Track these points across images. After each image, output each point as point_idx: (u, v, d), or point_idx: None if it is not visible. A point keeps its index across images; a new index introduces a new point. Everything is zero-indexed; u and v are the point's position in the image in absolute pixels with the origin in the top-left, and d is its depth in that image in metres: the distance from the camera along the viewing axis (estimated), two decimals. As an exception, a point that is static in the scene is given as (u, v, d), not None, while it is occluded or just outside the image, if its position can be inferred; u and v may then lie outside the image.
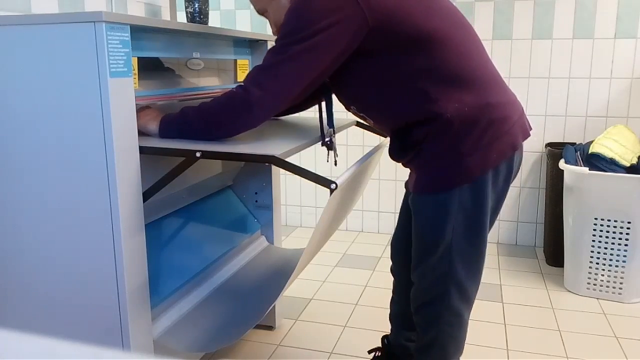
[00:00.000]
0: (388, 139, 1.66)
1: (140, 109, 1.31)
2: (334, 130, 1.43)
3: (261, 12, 1.34)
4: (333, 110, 1.45)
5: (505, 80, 2.69)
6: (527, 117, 2.69)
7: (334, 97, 1.44)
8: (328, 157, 1.62)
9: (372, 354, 1.68)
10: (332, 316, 2.06)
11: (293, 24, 1.14)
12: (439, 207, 1.23)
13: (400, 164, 1.34)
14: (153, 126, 1.28)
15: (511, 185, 2.83)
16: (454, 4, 2.65)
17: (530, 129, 1.29)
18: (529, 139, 2.71)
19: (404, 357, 1.60)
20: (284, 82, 1.15)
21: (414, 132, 1.21)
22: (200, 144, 1.20)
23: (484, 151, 1.18)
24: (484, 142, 1.17)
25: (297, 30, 1.13)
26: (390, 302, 1.62)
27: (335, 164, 1.48)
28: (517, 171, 1.31)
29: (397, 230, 1.54)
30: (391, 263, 1.58)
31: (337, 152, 1.34)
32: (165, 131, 1.27)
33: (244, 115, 1.19)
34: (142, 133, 1.32)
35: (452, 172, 1.20)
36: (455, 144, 1.18)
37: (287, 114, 1.69)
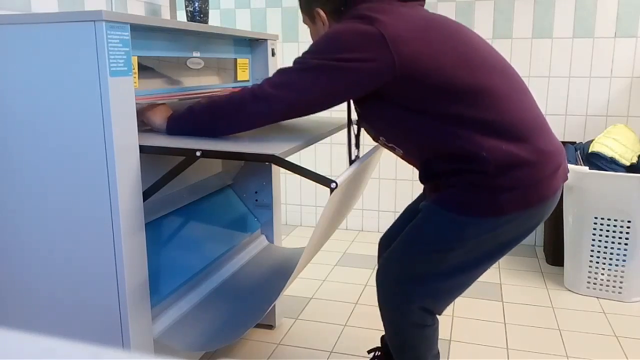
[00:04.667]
0: None
1: (152, 105, 1.34)
2: (358, 153, 1.45)
3: (305, 23, 1.40)
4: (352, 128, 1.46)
5: (506, 79, 2.69)
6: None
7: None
8: None
9: (372, 354, 1.68)
10: (332, 315, 2.06)
11: (322, 45, 1.17)
12: (455, 225, 1.20)
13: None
14: (159, 121, 1.32)
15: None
16: (460, 7, 2.66)
17: (568, 171, 1.26)
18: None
19: None
20: (294, 89, 1.18)
21: (449, 164, 1.19)
22: (200, 143, 1.20)
23: (523, 190, 1.15)
24: (525, 183, 1.15)
25: (323, 50, 1.16)
26: None
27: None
28: (551, 211, 1.27)
29: (394, 228, 1.53)
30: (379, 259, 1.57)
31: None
32: (173, 128, 1.31)
33: (249, 107, 1.21)
34: (145, 124, 1.36)
35: (484, 202, 1.16)
36: (493, 178, 1.15)
37: None
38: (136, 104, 1.16)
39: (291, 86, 1.18)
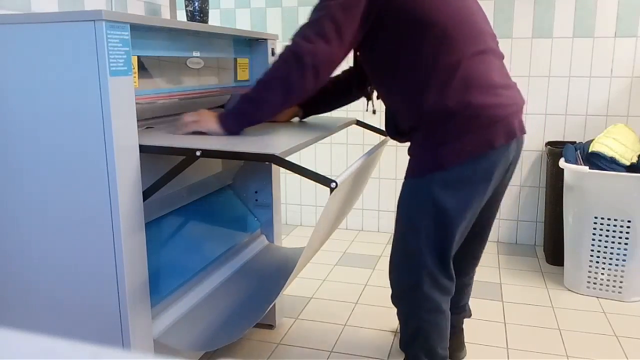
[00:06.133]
0: (388, 137, 1.69)
1: (189, 115, 1.32)
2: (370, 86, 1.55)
3: None
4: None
5: (506, 79, 2.68)
6: (528, 115, 2.69)
7: None
8: (367, 107, 1.69)
9: None
10: (332, 315, 2.06)
11: None
12: (413, 192, 1.32)
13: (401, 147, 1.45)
14: (213, 125, 1.30)
15: (510, 183, 2.83)
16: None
17: (522, 132, 1.32)
18: (528, 137, 2.71)
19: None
20: (329, 36, 1.21)
21: (402, 119, 1.34)
22: (200, 143, 1.20)
23: (457, 142, 1.23)
24: (457, 134, 1.23)
25: None
26: None
27: (374, 113, 1.59)
28: (507, 172, 1.35)
29: None
30: None
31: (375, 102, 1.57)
32: (229, 125, 1.30)
33: (296, 69, 1.22)
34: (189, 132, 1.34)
35: (427, 159, 1.27)
36: (432, 134, 1.26)
37: (325, 110, 1.70)
38: (136, 103, 1.16)
39: (326, 35, 1.21)
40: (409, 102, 1.28)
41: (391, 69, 1.29)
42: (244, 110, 1.28)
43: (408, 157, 1.36)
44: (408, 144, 1.39)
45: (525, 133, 1.34)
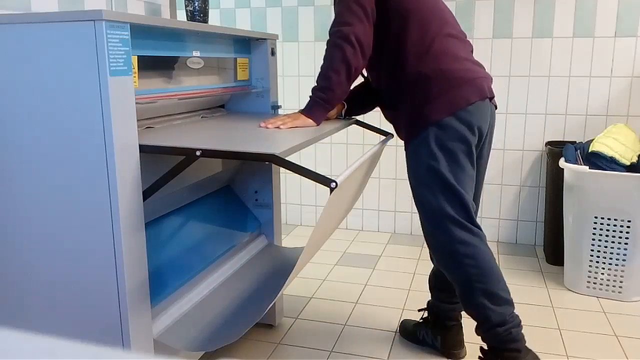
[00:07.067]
0: (388, 137, 1.72)
1: (282, 117, 1.49)
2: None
3: None
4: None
5: (505, 79, 2.69)
6: (528, 115, 2.70)
7: None
8: None
9: (422, 313, 1.88)
10: (332, 315, 2.06)
11: None
12: (413, 155, 1.49)
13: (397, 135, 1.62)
14: (308, 121, 1.48)
15: (511, 183, 2.83)
16: (460, 7, 2.67)
17: (493, 97, 1.51)
18: (528, 137, 2.71)
19: (442, 317, 1.77)
20: (359, 15, 1.42)
21: (390, 90, 1.52)
22: (200, 142, 1.20)
23: (437, 101, 1.43)
24: (435, 95, 1.43)
25: None
26: (430, 273, 1.80)
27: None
28: (487, 134, 1.51)
29: None
30: None
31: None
32: (316, 116, 1.48)
33: (348, 47, 1.42)
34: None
35: (416, 120, 1.46)
36: (414, 97, 1.45)
37: (363, 109, 1.77)
38: (136, 103, 1.16)
39: (358, 15, 1.42)
40: (393, 74, 1.48)
41: (380, 49, 1.48)
42: (322, 98, 1.47)
43: (400, 127, 1.54)
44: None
45: (495, 105, 1.54)
